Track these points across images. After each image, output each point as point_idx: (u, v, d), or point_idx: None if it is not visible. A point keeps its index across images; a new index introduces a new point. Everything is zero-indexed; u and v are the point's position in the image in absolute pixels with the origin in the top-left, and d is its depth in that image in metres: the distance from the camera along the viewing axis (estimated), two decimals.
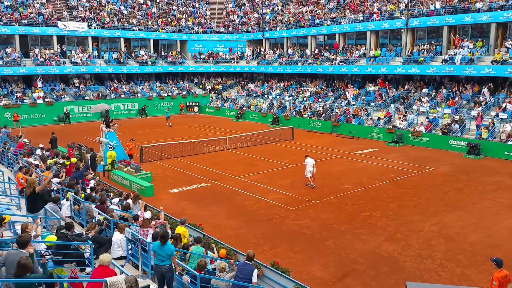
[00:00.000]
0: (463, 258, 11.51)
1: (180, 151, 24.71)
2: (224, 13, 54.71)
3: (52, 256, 8.18)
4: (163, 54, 48.93)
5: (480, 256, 11.50)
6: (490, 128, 24.71)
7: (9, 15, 39.54)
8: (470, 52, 29.62)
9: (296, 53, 43.71)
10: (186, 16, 52.51)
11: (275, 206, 15.77)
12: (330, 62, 38.47)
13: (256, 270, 8.04)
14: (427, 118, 28.23)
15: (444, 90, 30.98)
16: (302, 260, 11.54)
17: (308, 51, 42.45)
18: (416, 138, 26.95)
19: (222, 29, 51.73)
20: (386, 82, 35.46)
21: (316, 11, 43.59)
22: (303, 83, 42.02)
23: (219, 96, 46.59)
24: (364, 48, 37.67)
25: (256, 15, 50.74)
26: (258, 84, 46.23)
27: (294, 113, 36.23)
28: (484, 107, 27.25)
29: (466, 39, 31.55)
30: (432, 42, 33.44)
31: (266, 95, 42.73)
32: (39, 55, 40.03)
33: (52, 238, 8.31)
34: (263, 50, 47.73)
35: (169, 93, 45.79)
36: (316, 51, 41.45)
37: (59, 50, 42.04)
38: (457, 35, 32.07)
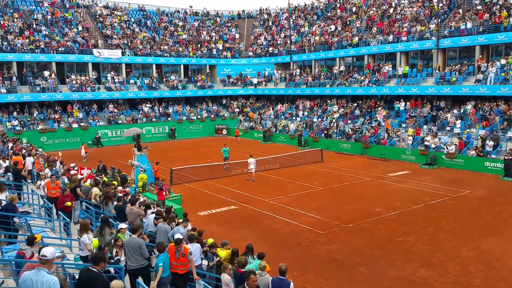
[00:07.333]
0: (503, 286, 10.92)
1: (209, 173, 24.86)
2: (252, 37, 55.61)
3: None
4: (193, 78, 49.99)
5: None
6: None
7: (47, 42, 41.45)
8: (504, 72, 28.79)
9: (322, 73, 43.62)
10: (215, 40, 53.69)
11: (305, 230, 15.51)
12: (359, 83, 38.24)
13: (292, 284, 7.72)
14: (461, 139, 27.40)
15: (480, 112, 29.86)
16: (334, 287, 11.23)
17: (336, 72, 42.39)
18: (451, 160, 26.14)
19: (250, 53, 52.52)
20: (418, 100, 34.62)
21: (343, 33, 43.67)
22: (331, 105, 41.75)
23: (248, 118, 46.92)
24: (394, 69, 37.27)
25: (283, 37, 51.25)
26: (286, 106, 46.35)
27: (323, 134, 35.92)
28: None
29: (497, 59, 30.60)
30: (464, 62, 32.75)
31: (294, 117, 42.74)
32: (74, 81, 41.65)
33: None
34: (289, 72, 47.93)
35: (198, 116, 46.55)
36: (345, 73, 41.33)
37: (94, 77, 43.66)
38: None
